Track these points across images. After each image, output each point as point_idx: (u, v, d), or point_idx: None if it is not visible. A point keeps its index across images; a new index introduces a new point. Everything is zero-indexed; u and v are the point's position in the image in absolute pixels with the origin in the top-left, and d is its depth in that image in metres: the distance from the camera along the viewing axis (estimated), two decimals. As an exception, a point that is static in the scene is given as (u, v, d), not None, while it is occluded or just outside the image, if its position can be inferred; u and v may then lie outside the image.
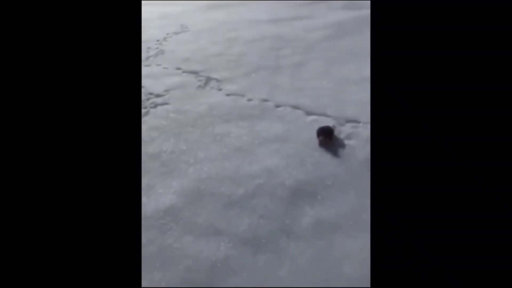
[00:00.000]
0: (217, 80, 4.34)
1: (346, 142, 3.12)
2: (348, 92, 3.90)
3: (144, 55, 5.24)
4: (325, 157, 2.93)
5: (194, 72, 4.59)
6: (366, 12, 5.89)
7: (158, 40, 5.79)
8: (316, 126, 3.31)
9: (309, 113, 3.56)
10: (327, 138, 3.05)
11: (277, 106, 3.71)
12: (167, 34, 6.04)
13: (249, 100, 3.86)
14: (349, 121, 3.41)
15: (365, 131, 3.25)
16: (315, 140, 3.10)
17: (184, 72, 4.64)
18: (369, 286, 1.29)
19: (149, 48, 5.55)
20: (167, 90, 4.21)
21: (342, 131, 3.26)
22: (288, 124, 3.39)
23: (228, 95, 4.01)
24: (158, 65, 4.94)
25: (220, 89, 4.15)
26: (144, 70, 4.68)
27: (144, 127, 3.48)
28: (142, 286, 1.94)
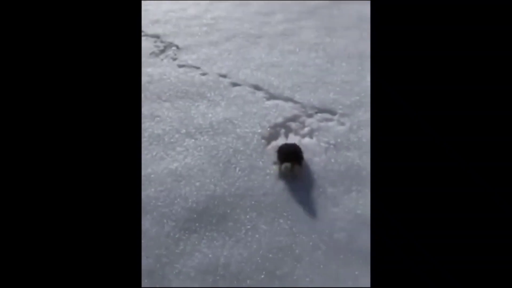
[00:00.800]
0: (177, 48, 3.48)
1: (305, 142, 2.20)
2: (333, 71, 2.92)
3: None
4: (265, 162, 2.05)
5: (156, 37, 3.75)
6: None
7: (136, -1, 4.97)
8: (273, 114, 2.42)
9: (271, 97, 2.64)
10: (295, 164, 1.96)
11: (235, 84, 2.82)
12: (150, -8, 5.20)
13: (203, 74, 2.99)
14: (320, 111, 2.47)
15: (337, 127, 2.30)
16: (259, 134, 2.21)
17: (144, 35, 3.81)
18: (369, 286, 1.22)
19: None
20: (114, 57, 3.43)
21: (305, 125, 2.34)
22: (237, 109, 2.51)
23: (181, 66, 3.16)
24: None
25: (175, 59, 3.30)
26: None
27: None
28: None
